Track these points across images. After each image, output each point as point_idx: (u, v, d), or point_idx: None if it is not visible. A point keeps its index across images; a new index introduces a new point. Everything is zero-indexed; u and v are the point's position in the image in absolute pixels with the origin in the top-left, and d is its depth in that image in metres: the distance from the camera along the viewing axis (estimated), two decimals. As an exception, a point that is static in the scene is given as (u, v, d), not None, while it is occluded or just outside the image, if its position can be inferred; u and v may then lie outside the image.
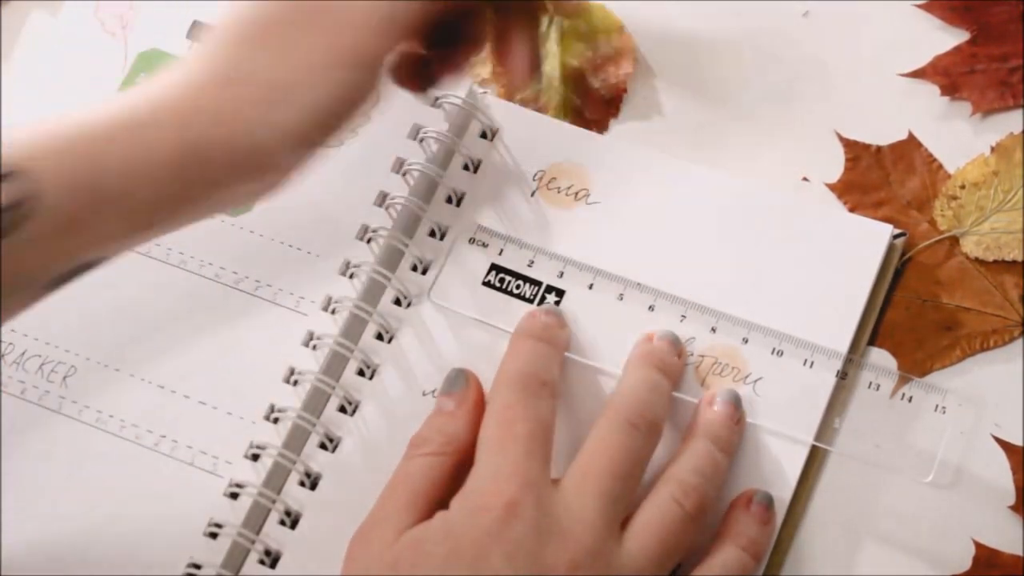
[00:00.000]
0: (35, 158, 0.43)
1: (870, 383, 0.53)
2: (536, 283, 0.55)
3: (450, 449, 0.49)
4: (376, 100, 0.50)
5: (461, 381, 0.52)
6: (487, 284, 0.55)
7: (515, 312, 0.54)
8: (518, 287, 0.55)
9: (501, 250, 0.55)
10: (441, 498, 0.49)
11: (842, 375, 0.53)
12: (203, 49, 0.47)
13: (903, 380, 0.53)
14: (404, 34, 0.49)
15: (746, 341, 0.53)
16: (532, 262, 0.55)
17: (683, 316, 0.54)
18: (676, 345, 0.53)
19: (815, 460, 0.52)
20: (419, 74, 0.53)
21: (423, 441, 0.50)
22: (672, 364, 0.52)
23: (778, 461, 0.52)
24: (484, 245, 0.56)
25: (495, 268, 0.55)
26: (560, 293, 0.54)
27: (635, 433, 0.48)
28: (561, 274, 0.55)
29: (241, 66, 0.47)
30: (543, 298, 0.55)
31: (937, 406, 0.52)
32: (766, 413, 0.52)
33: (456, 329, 0.55)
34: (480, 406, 0.51)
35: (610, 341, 0.53)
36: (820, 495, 0.52)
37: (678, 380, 0.52)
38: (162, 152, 0.45)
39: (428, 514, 0.48)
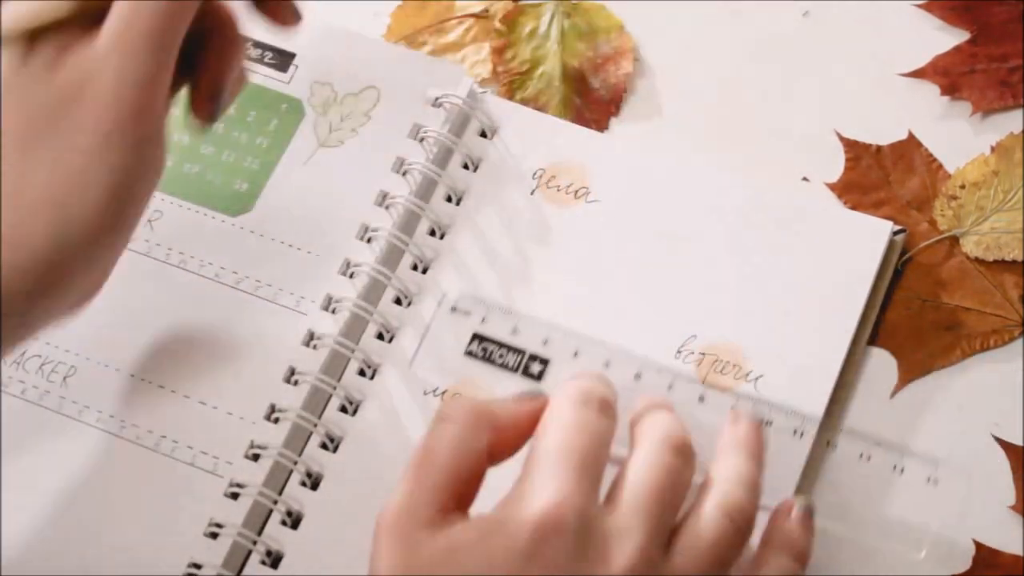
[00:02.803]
0: None
1: (861, 454, 0.52)
2: (519, 352, 0.54)
3: (490, 423, 0.46)
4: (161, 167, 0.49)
5: (532, 391, 0.48)
6: (470, 354, 0.54)
7: (500, 382, 0.53)
8: (502, 356, 0.54)
9: (484, 318, 0.54)
10: (471, 477, 0.46)
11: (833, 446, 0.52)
12: None
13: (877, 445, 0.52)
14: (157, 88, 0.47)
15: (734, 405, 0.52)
16: (516, 329, 0.54)
17: (670, 385, 0.52)
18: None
19: (814, 460, 0.52)
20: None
21: (458, 404, 0.47)
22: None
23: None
24: (467, 313, 0.54)
25: (478, 337, 0.54)
26: (544, 362, 0.53)
27: (679, 456, 0.46)
28: (546, 341, 0.53)
29: (14, 179, 0.46)
30: (526, 367, 0.53)
31: (929, 477, 0.51)
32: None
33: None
34: (540, 410, 0.47)
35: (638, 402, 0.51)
36: (820, 492, 0.52)
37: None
38: None
39: (459, 497, 0.45)
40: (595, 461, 0.45)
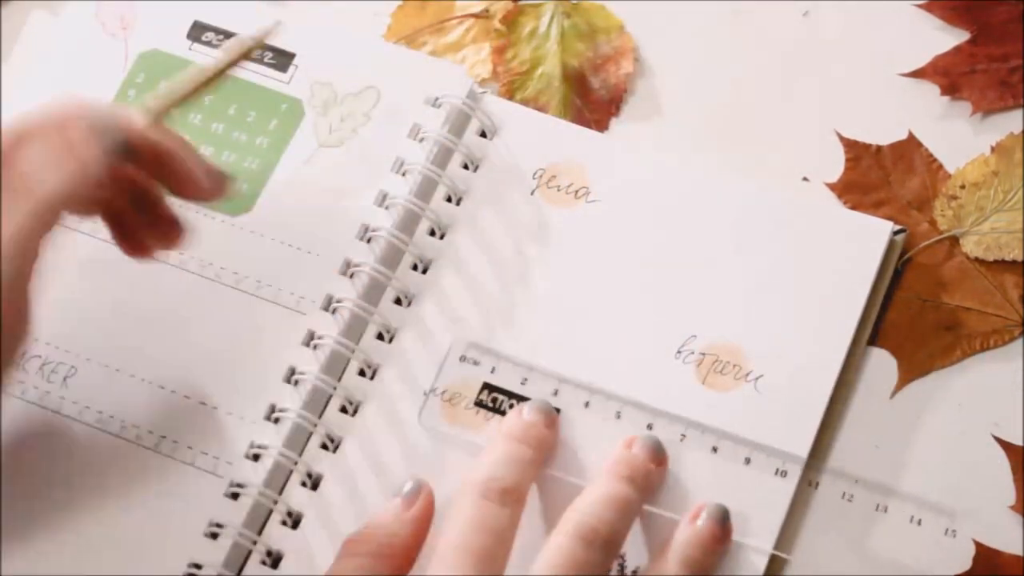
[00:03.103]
0: None
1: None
2: None
3: (387, 552, 0.48)
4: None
5: (413, 489, 0.50)
6: (480, 404, 0.54)
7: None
8: (512, 407, 0.53)
9: (493, 368, 0.54)
10: None
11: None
12: None
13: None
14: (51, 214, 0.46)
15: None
16: (526, 380, 0.54)
17: (683, 436, 0.52)
18: (657, 452, 0.51)
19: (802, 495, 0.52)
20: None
21: (362, 540, 0.49)
22: (646, 474, 0.50)
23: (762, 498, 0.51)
24: (476, 363, 0.54)
25: (488, 387, 0.54)
26: (555, 411, 0.53)
27: (589, 550, 0.46)
28: (556, 392, 0.53)
29: None
30: None
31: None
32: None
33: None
34: (427, 516, 0.50)
35: (605, 460, 0.51)
36: (813, 518, 0.52)
37: (652, 491, 0.51)
38: None
39: None
40: (492, 556, 0.46)
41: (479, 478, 0.49)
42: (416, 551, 0.49)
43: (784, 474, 0.51)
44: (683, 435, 0.52)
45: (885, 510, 0.51)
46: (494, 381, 0.54)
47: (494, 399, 0.54)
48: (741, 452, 0.52)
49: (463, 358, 0.54)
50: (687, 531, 0.50)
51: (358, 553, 0.49)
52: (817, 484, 0.52)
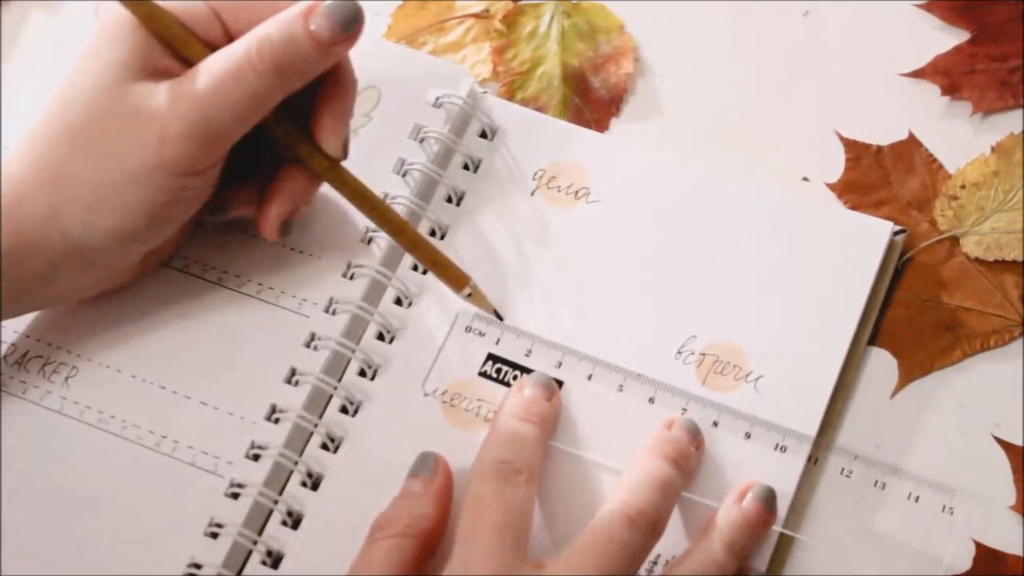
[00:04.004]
0: None
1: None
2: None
3: (414, 531, 0.49)
4: (208, 196, 0.52)
5: (429, 464, 0.51)
6: (483, 375, 0.54)
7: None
8: (515, 378, 0.54)
9: (498, 339, 0.54)
10: None
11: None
12: (24, 148, 0.50)
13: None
14: (219, 146, 0.50)
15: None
16: (530, 351, 0.54)
17: (684, 408, 0.52)
18: (695, 435, 0.51)
19: (809, 476, 0.52)
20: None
21: (388, 522, 0.49)
22: (687, 455, 0.50)
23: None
24: (481, 334, 0.54)
25: (492, 358, 0.54)
26: (559, 384, 0.53)
27: (632, 529, 0.47)
28: (560, 364, 0.53)
29: (63, 168, 0.49)
30: None
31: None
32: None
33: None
34: (447, 489, 0.50)
35: (608, 433, 0.52)
36: (820, 500, 0.52)
37: (692, 475, 0.51)
38: None
39: None
40: (516, 531, 0.47)
41: (489, 460, 0.49)
42: (444, 525, 0.50)
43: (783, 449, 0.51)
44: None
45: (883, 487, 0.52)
46: (498, 352, 0.54)
47: (498, 370, 0.54)
48: (741, 427, 0.52)
49: (468, 328, 0.54)
50: (732, 512, 0.49)
51: (388, 535, 0.49)
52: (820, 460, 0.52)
